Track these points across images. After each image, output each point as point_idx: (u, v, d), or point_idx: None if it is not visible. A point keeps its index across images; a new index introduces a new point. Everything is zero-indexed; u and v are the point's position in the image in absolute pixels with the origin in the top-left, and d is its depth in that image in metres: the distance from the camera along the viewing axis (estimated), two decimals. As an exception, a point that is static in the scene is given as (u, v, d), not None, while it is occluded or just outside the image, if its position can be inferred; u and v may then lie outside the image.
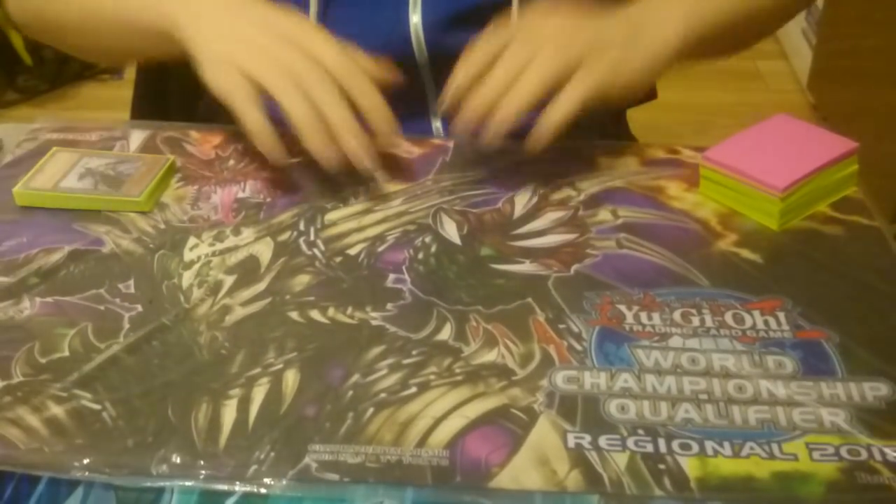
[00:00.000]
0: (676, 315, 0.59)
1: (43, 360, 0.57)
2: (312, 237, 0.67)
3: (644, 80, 0.70)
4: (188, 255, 0.65)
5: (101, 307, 0.61)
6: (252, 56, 0.66)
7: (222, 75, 0.67)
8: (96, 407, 0.53)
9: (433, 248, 0.66)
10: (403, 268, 0.64)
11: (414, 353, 0.57)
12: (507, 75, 0.66)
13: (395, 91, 0.71)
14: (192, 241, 0.67)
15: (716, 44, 0.76)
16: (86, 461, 0.50)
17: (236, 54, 0.67)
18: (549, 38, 0.67)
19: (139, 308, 0.61)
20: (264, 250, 0.66)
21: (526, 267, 0.64)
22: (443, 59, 0.83)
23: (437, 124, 0.88)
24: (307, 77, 0.66)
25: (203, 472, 0.49)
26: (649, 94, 1.09)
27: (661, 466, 0.49)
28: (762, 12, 0.80)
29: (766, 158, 0.69)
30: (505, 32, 0.68)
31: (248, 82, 0.66)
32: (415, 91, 0.85)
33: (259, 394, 0.54)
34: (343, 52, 0.68)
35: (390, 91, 0.69)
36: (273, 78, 0.66)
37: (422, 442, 0.51)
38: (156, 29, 0.72)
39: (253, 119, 0.66)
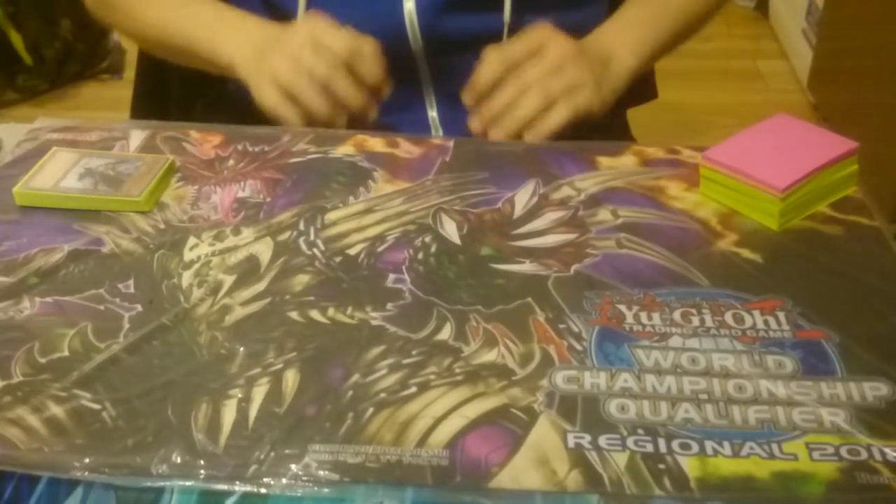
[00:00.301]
0: (676, 315, 0.59)
1: (43, 360, 0.57)
2: (312, 237, 0.67)
3: (612, 101, 0.83)
4: (188, 255, 0.65)
5: (101, 307, 0.61)
6: (282, 69, 0.78)
7: (266, 96, 0.80)
8: (96, 407, 0.53)
9: (433, 248, 0.66)
10: (403, 268, 0.64)
11: (414, 353, 0.57)
12: (515, 93, 0.78)
13: (390, 78, 0.80)
14: (191, 240, 0.67)
15: (662, 54, 0.90)
16: (86, 461, 0.50)
17: (273, 74, 0.79)
18: (550, 62, 0.78)
19: (139, 308, 0.61)
20: (264, 250, 0.66)
21: (526, 267, 0.64)
22: (437, 45, 0.84)
23: (433, 113, 0.87)
24: (320, 70, 0.77)
25: (203, 471, 0.49)
26: (649, 94, 1.09)
27: (661, 466, 0.49)
28: (695, 18, 0.92)
29: (766, 158, 0.69)
30: (511, 51, 0.80)
31: (286, 96, 0.79)
32: (410, 78, 0.85)
33: (259, 394, 0.54)
34: (346, 38, 0.78)
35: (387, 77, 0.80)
36: (298, 84, 0.78)
37: (422, 442, 0.51)
38: (220, 65, 0.85)
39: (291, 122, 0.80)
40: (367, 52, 0.78)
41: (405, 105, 0.86)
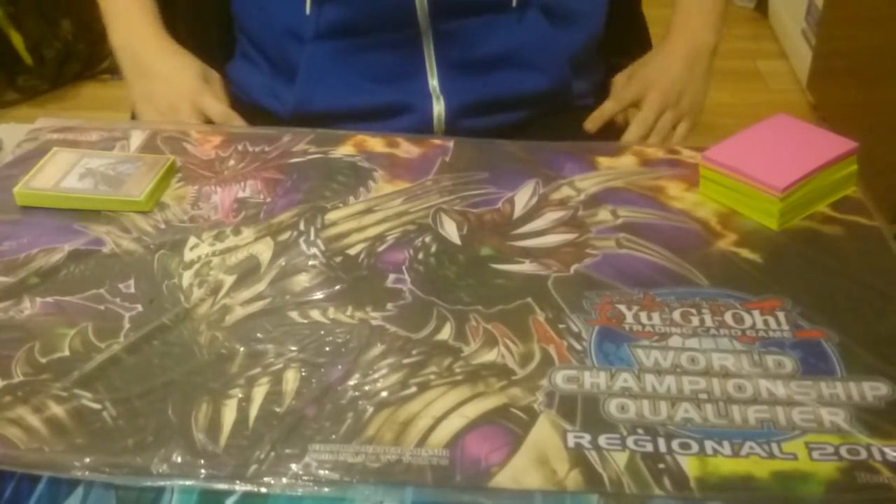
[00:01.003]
0: (676, 315, 0.59)
1: (43, 360, 0.57)
2: (312, 237, 0.67)
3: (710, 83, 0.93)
4: (188, 255, 0.65)
5: (102, 307, 0.61)
6: (162, 115, 0.88)
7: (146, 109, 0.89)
8: (97, 406, 0.53)
9: (433, 248, 0.66)
10: (403, 268, 0.64)
11: (414, 352, 0.57)
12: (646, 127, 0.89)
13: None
14: (192, 240, 0.67)
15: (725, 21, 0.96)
16: (86, 461, 0.50)
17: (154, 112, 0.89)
18: (663, 92, 0.90)
19: (139, 308, 0.61)
20: (264, 250, 0.66)
21: (526, 267, 0.64)
22: (443, 10, 0.84)
23: (433, 82, 0.87)
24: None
25: (203, 471, 0.49)
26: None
27: (661, 466, 0.49)
28: None
29: (765, 158, 0.69)
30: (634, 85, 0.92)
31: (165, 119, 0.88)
32: (413, 45, 0.85)
33: (259, 393, 0.54)
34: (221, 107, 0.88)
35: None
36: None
37: (422, 441, 0.51)
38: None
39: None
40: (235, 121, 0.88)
41: (406, 74, 0.86)
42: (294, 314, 0.60)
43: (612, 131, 0.92)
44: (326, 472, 0.49)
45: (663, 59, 0.93)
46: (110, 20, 0.93)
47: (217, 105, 0.88)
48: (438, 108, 0.87)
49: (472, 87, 0.87)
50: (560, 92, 0.91)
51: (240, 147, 0.78)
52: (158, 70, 0.89)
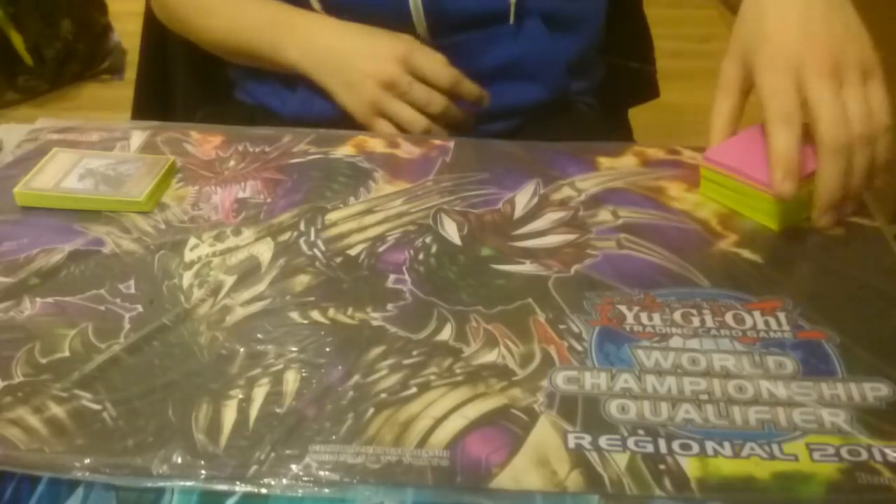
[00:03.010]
0: (677, 315, 0.59)
1: (43, 361, 0.57)
2: (313, 237, 0.67)
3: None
4: (189, 256, 0.65)
5: (102, 307, 0.61)
6: (373, 89, 0.82)
7: (354, 104, 0.84)
8: (97, 407, 0.53)
9: (433, 249, 0.66)
10: (404, 268, 0.64)
11: (414, 353, 0.57)
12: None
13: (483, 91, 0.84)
14: (192, 241, 0.67)
15: None
16: (86, 461, 0.50)
17: (364, 91, 0.83)
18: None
19: (140, 308, 0.61)
20: (265, 250, 0.66)
21: (526, 267, 0.64)
22: (441, 25, 0.84)
23: None
24: (415, 95, 0.82)
25: (203, 472, 0.49)
26: (651, 93, 1.09)
27: (662, 467, 0.49)
28: None
29: (766, 159, 0.69)
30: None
31: (376, 108, 0.83)
32: None
33: (259, 394, 0.54)
34: (446, 73, 0.83)
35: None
36: (393, 105, 0.82)
37: (422, 442, 0.51)
38: (286, 69, 0.87)
39: (382, 132, 0.82)
40: (462, 80, 0.83)
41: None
42: (294, 314, 0.60)
43: (613, 133, 0.92)
44: (327, 472, 0.49)
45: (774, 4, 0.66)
46: (272, 41, 0.86)
47: (432, 60, 0.81)
48: None
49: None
50: (558, 98, 0.91)
51: (240, 147, 0.78)
52: (350, 48, 0.83)
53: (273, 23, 0.87)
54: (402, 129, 0.83)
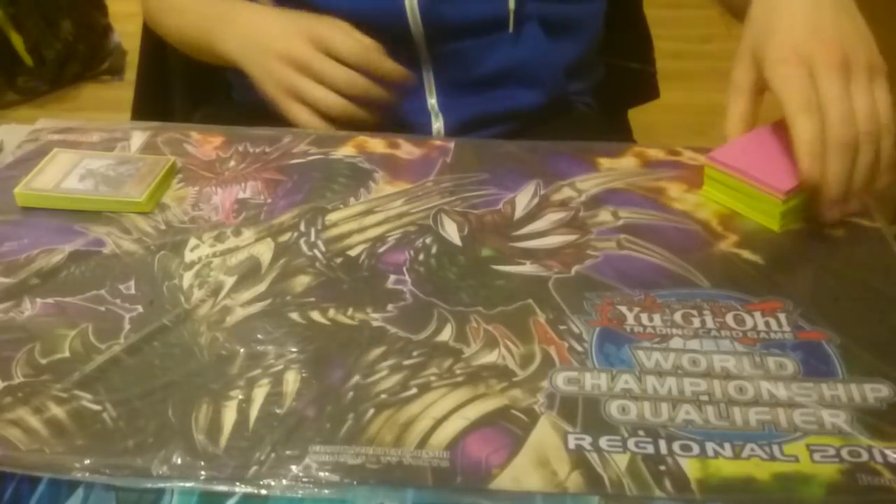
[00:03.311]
0: (677, 316, 0.59)
1: (43, 361, 0.57)
2: (313, 238, 0.67)
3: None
4: (189, 256, 0.65)
5: (102, 308, 0.61)
6: (282, 69, 0.79)
7: (268, 88, 0.81)
8: (97, 408, 0.53)
9: (434, 250, 0.66)
10: (404, 269, 0.64)
11: (414, 354, 0.57)
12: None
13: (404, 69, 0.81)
14: (192, 241, 0.67)
15: None
16: (86, 462, 0.50)
17: (273, 72, 0.80)
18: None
19: (140, 309, 0.61)
20: (265, 251, 0.66)
21: (526, 268, 0.64)
22: (439, 32, 0.84)
23: (432, 101, 0.87)
24: (325, 71, 0.78)
25: (203, 472, 0.49)
26: (651, 94, 1.09)
27: (662, 468, 0.49)
28: None
29: (770, 160, 0.69)
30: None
31: (287, 89, 0.80)
32: (410, 65, 0.85)
33: (259, 395, 0.54)
34: (355, 46, 0.79)
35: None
36: (302, 84, 0.79)
37: (422, 443, 0.51)
38: (226, 62, 0.86)
39: (298, 118, 0.80)
40: (377, 56, 0.79)
41: (405, 93, 0.86)
42: (294, 315, 0.60)
43: (613, 133, 0.92)
44: (327, 473, 0.49)
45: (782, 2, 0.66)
46: (213, 34, 0.84)
47: (343, 35, 0.77)
48: (437, 125, 0.87)
49: (471, 104, 0.87)
50: (557, 101, 0.91)
51: (240, 148, 0.78)
52: (262, 31, 0.80)
53: (219, 17, 0.85)
54: (320, 113, 0.79)
